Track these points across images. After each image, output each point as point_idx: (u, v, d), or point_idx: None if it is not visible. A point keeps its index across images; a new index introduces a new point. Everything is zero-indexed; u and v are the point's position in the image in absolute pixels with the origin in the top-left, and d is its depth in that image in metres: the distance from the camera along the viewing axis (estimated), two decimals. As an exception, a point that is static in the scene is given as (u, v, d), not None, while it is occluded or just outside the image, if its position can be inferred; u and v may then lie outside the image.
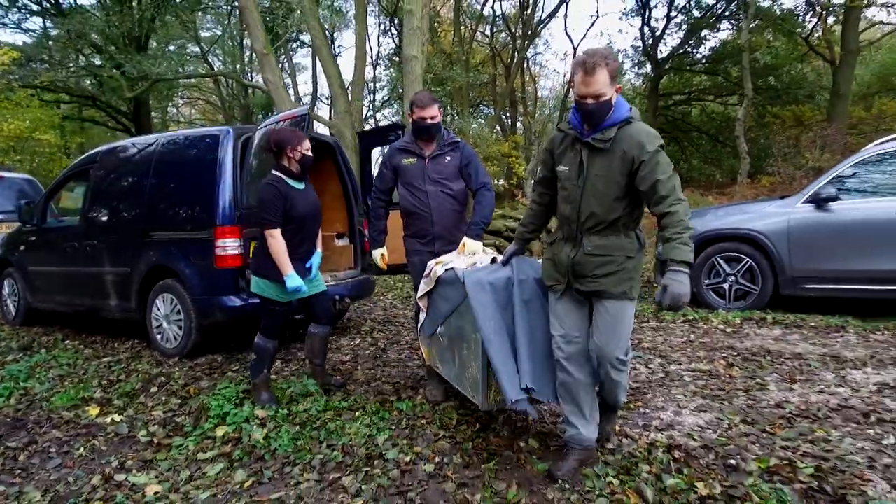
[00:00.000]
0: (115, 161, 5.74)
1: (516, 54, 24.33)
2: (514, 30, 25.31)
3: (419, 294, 3.52)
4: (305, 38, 27.40)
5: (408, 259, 3.84)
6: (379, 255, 3.95)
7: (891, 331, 5.03)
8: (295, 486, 2.87)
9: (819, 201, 5.61)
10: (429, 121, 3.64)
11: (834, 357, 4.33)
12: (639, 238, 2.65)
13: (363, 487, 2.79)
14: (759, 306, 5.88)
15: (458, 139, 3.79)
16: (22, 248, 6.63)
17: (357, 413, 3.62)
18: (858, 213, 5.43)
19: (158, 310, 5.10)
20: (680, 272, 2.31)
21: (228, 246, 4.62)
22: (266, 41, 11.66)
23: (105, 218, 5.57)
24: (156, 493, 2.90)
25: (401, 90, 25.11)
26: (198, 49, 25.43)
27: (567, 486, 2.63)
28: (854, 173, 5.67)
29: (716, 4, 21.94)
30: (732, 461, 2.74)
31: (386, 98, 28.30)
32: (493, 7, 25.88)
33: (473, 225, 3.64)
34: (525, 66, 25.06)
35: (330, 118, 15.23)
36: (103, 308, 5.68)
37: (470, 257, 3.39)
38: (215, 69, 27.20)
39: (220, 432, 3.49)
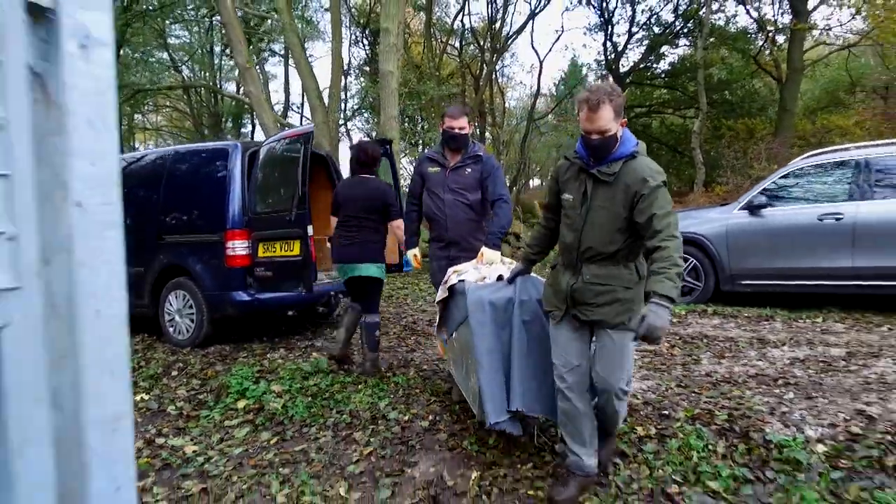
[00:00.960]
0: (129, 170, 6.28)
1: (485, 67, 25.20)
2: (482, 43, 26.20)
3: (437, 299, 3.66)
4: (275, 47, 27.94)
5: (430, 262, 4.17)
6: (412, 255, 4.23)
7: (811, 319, 5.86)
8: (314, 440, 3.51)
9: (752, 208, 6.45)
10: (457, 130, 3.86)
11: (759, 339, 5.12)
12: (638, 270, 2.64)
13: (371, 440, 3.44)
14: (703, 301, 6.68)
15: (482, 153, 3.95)
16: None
17: (360, 386, 4.27)
18: (785, 218, 6.28)
19: (171, 305, 5.66)
20: (661, 306, 2.26)
21: (238, 247, 5.22)
22: (248, 55, 12.23)
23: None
24: (194, 451, 3.49)
25: (371, 100, 25.80)
26: (166, 56, 25.66)
27: (535, 432, 3.32)
28: (782, 184, 6.53)
29: (674, 22, 23.17)
30: (665, 412, 3.47)
31: (356, 108, 28.91)
32: (462, 21, 26.72)
33: (490, 235, 3.77)
34: (493, 78, 25.91)
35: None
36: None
37: (487, 267, 3.49)
38: (185, 77, 27.46)
39: (241, 405, 4.10)
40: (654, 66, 24.84)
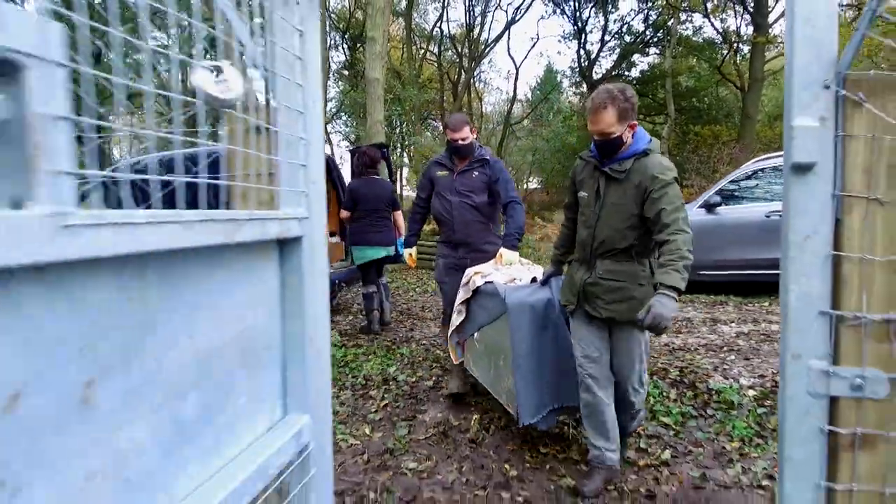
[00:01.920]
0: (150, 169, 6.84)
1: (463, 74, 25.99)
2: (460, 50, 27.02)
3: (458, 301, 3.68)
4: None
5: (435, 261, 4.27)
6: (407, 254, 4.46)
7: (759, 303, 6.68)
8: (336, 398, 4.15)
9: (709, 207, 7.25)
10: (460, 142, 3.91)
11: (712, 319, 5.90)
12: (652, 267, 2.65)
13: (385, 396, 4.10)
14: (667, 289, 7.46)
15: (489, 157, 4.02)
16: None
17: (370, 357, 4.93)
18: (737, 216, 7.09)
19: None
20: (667, 296, 2.26)
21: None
22: (241, 62, 12.78)
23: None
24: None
25: (349, 103, 26.32)
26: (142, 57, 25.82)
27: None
28: (735, 185, 7.35)
29: (644, 31, 24.24)
30: (630, 371, 4.20)
31: (335, 111, 29.48)
32: (440, 28, 27.49)
33: (508, 237, 3.85)
34: (471, 84, 26.69)
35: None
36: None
37: (507, 268, 3.61)
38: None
39: (266, 373, 4.72)
40: (626, 73, 25.85)
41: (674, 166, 2.56)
